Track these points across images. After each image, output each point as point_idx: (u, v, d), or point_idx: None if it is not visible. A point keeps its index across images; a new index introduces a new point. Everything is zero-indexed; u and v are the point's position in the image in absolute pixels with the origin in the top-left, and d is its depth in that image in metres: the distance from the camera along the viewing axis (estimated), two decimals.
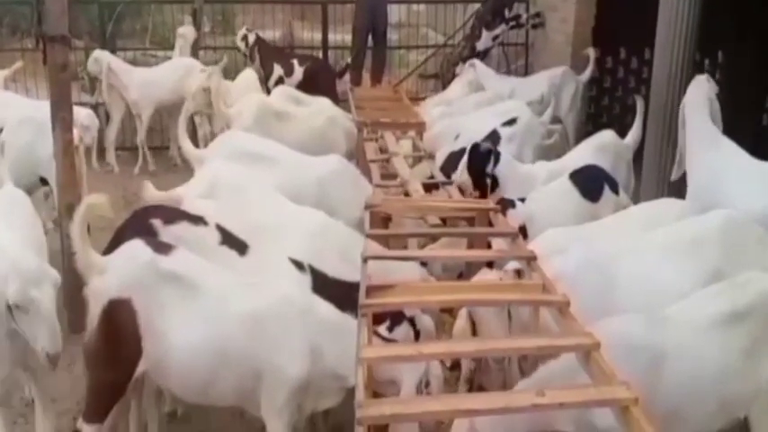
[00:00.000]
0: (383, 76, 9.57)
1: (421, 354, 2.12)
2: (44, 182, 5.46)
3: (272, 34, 11.01)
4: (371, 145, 5.47)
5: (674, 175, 4.47)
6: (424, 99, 7.88)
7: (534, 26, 8.58)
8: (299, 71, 8.54)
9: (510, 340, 2.25)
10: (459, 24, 10.07)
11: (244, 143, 4.60)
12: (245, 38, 8.80)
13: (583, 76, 7.43)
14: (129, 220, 3.24)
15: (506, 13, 8.73)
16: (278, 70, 8.53)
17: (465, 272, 3.83)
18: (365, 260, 2.82)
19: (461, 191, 4.43)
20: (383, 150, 5.31)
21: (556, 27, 8.08)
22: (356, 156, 5.73)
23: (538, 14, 8.48)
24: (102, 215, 2.83)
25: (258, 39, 8.87)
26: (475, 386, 3.08)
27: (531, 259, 2.82)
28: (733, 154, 4.21)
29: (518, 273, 2.92)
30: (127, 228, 3.14)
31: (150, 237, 3.02)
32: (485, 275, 3.05)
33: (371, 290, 2.52)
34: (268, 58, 8.71)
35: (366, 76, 9.46)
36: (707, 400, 2.56)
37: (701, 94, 4.30)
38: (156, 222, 3.11)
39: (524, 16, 8.77)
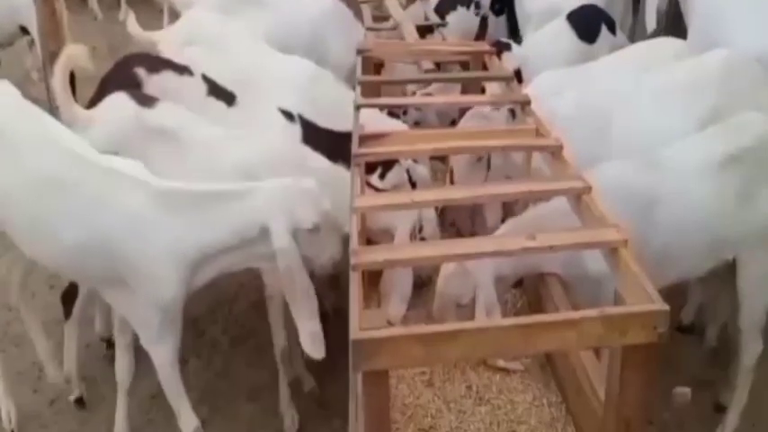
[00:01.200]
0: None
1: (413, 201, 2.12)
2: (25, 31, 5.29)
3: None
4: None
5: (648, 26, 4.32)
6: None
7: None
8: None
9: (501, 185, 2.25)
10: None
11: None
12: None
13: None
14: (113, 71, 3.14)
15: None
16: None
17: (458, 119, 3.80)
18: (357, 108, 2.78)
19: None
20: None
21: None
22: None
23: None
24: (83, 66, 2.74)
25: None
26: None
27: (525, 103, 2.77)
28: None
29: (511, 112, 2.89)
30: (111, 78, 3.06)
31: (134, 88, 2.94)
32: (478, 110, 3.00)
33: (364, 139, 2.49)
34: None
35: None
36: (697, 243, 2.61)
37: None
38: (141, 72, 3.02)
39: None
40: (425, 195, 2.22)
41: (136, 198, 2.31)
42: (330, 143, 3.09)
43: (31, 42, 5.42)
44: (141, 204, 2.30)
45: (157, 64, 3.11)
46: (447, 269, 2.40)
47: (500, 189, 2.21)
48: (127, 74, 3.01)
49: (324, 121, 3.22)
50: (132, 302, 2.41)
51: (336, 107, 3.30)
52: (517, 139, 2.53)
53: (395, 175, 2.95)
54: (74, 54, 2.71)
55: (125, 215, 2.32)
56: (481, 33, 5.16)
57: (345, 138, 3.08)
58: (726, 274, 2.76)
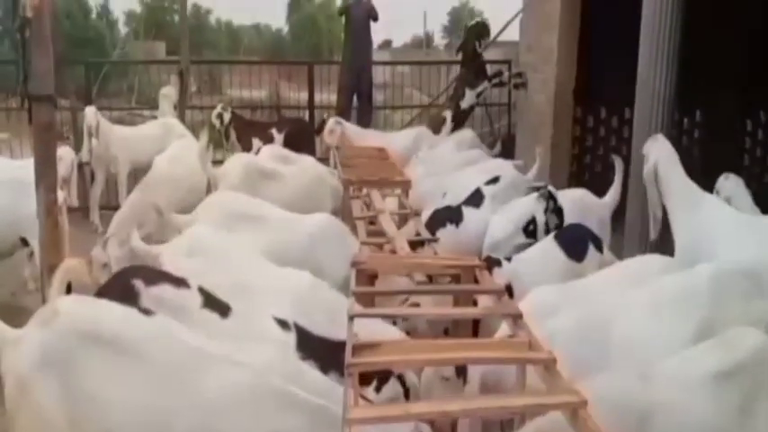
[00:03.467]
0: None
1: (408, 414, 2.08)
2: (24, 242, 5.42)
3: (258, 94, 11.21)
4: (357, 202, 5.49)
5: (653, 235, 4.52)
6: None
7: (516, 86, 8.76)
8: (278, 138, 8.31)
9: (497, 399, 2.22)
10: (443, 85, 10.27)
11: (231, 203, 4.61)
12: (220, 116, 8.47)
13: (529, 174, 6.43)
14: (110, 281, 3.20)
15: (488, 70, 8.94)
16: (257, 143, 8.11)
17: (451, 327, 3.82)
18: (351, 318, 2.80)
19: None
20: (369, 208, 5.33)
21: (537, 87, 8.26)
22: (342, 213, 5.75)
23: (520, 74, 8.66)
24: (80, 279, 2.79)
25: (234, 115, 8.63)
26: None
27: (517, 317, 2.80)
28: (717, 209, 4.25)
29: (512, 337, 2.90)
30: (108, 289, 3.10)
31: (132, 299, 2.97)
32: None
33: (357, 348, 2.49)
34: (245, 132, 8.44)
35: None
36: None
37: (670, 152, 4.36)
38: (138, 284, 3.07)
39: (506, 74, 8.97)
40: (420, 408, 2.17)
41: None
42: (325, 352, 3.09)
43: (31, 254, 5.55)
44: None
45: (155, 276, 3.17)
46: None
47: (496, 402, 2.17)
48: (125, 285, 3.06)
49: (319, 330, 3.23)
50: None
51: (332, 316, 3.34)
52: (511, 352, 2.53)
53: (390, 388, 2.91)
54: (71, 267, 2.77)
55: None
56: None
57: (339, 347, 3.08)
58: None
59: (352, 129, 7.82)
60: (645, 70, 5.70)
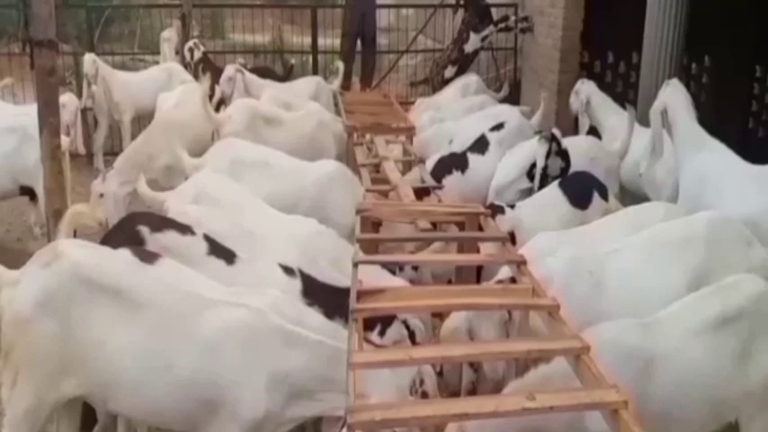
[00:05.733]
0: (372, 80, 9.60)
1: (411, 358, 2.11)
2: (24, 191, 5.42)
3: (261, 38, 11.03)
4: (361, 149, 5.47)
5: (642, 169, 4.55)
6: (413, 103, 7.91)
7: (523, 30, 8.61)
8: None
9: (500, 343, 2.25)
10: (449, 28, 10.08)
11: (238, 150, 4.60)
12: (191, 50, 8.25)
13: (533, 120, 6.59)
14: (116, 227, 3.22)
15: (493, 14, 8.77)
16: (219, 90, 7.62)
17: (454, 277, 3.84)
18: (356, 264, 2.82)
19: None
20: (373, 155, 5.31)
21: (544, 31, 8.12)
22: (346, 160, 5.73)
23: (526, 18, 8.51)
24: (87, 224, 2.81)
25: (204, 56, 8.36)
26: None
27: (520, 263, 2.83)
28: (722, 156, 4.28)
29: (513, 281, 2.92)
30: (114, 235, 3.12)
31: (137, 245, 2.99)
32: None
33: (362, 294, 2.52)
34: (213, 77, 8.02)
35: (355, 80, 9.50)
36: (697, 404, 2.58)
37: (683, 97, 4.43)
38: (144, 230, 3.09)
39: (512, 19, 8.81)
40: (423, 352, 2.21)
41: None
42: (330, 298, 3.12)
43: (33, 199, 5.55)
44: None
45: (160, 223, 3.19)
46: (449, 429, 2.34)
47: (499, 347, 2.21)
48: (130, 231, 3.08)
49: (325, 277, 3.26)
50: None
51: (337, 263, 3.37)
52: (514, 298, 2.56)
53: (394, 331, 2.95)
54: (78, 212, 2.79)
55: None
56: None
57: (344, 293, 3.11)
58: None
59: (250, 78, 7.43)
60: (654, 12, 5.60)
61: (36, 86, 4.39)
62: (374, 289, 2.58)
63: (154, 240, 3.07)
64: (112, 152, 8.25)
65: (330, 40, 10.01)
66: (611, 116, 5.99)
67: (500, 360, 2.66)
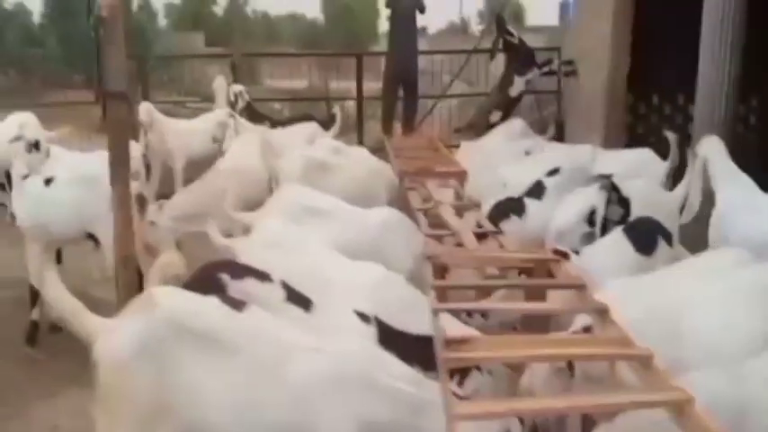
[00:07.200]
0: (414, 125, 9.70)
1: (513, 410, 2.10)
2: (90, 237, 5.52)
3: (297, 83, 11.26)
4: (414, 194, 5.51)
5: (684, 219, 4.74)
6: (458, 146, 7.95)
7: (567, 74, 8.67)
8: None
9: (601, 396, 2.23)
10: (482, 73, 10.17)
11: (301, 197, 4.65)
12: (236, 97, 8.51)
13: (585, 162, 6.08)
14: (197, 275, 3.26)
15: (537, 58, 8.86)
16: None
17: (520, 326, 3.82)
18: (435, 312, 2.83)
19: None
20: (425, 199, 5.34)
21: (590, 74, 8.17)
22: (398, 205, 5.76)
23: (570, 62, 8.57)
24: (177, 273, 2.86)
25: (248, 104, 8.60)
26: None
27: (603, 311, 2.80)
28: (747, 188, 4.59)
29: (586, 330, 2.90)
30: (195, 281, 3.16)
31: (219, 292, 3.03)
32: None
33: (449, 343, 2.51)
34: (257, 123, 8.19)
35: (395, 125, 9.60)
36: None
37: (719, 147, 4.81)
38: (224, 277, 3.13)
39: (556, 62, 8.88)
40: (525, 404, 2.19)
41: None
42: (405, 345, 3.11)
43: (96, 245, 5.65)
44: None
45: (240, 270, 3.23)
46: None
47: (601, 400, 2.18)
48: (212, 278, 3.12)
49: (397, 324, 3.26)
50: None
51: (408, 310, 3.37)
52: (605, 348, 2.54)
53: (473, 381, 2.93)
54: (168, 262, 2.84)
55: None
56: None
57: (419, 341, 3.11)
58: None
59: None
60: (707, 61, 5.63)
61: (108, 137, 4.50)
62: (460, 338, 2.58)
63: (234, 287, 3.10)
64: (164, 197, 8.42)
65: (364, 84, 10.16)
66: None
67: (605, 412, 2.62)
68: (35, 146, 5.39)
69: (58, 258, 5.62)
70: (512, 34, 8.80)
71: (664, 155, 5.93)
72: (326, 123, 8.23)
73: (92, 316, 2.66)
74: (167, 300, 2.64)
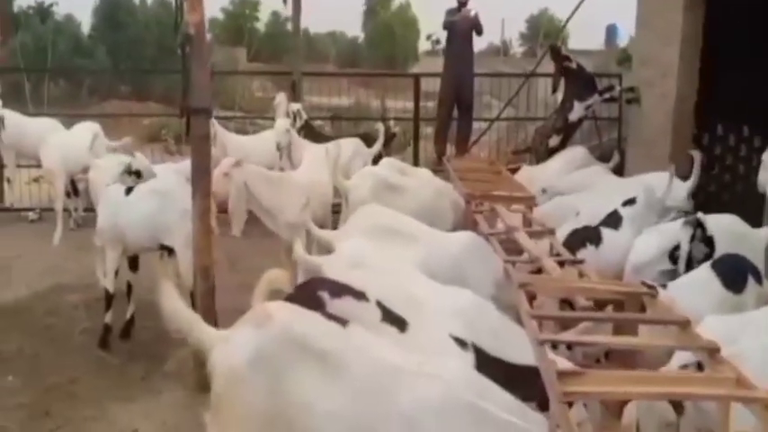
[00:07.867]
0: (467, 146, 9.68)
1: None
2: (163, 247, 5.58)
3: (338, 101, 11.33)
4: (481, 218, 5.46)
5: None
6: (516, 170, 7.89)
7: (629, 101, 8.58)
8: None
9: None
10: (523, 94, 10.15)
11: (381, 218, 4.66)
12: (294, 116, 8.67)
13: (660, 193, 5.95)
14: (297, 291, 3.27)
15: (597, 84, 8.79)
16: None
17: (603, 359, 3.76)
18: (541, 343, 2.78)
19: None
20: (491, 224, 5.29)
21: (654, 102, 8.07)
22: (465, 228, 5.72)
23: (632, 89, 8.49)
24: (281, 288, 2.88)
25: (306, 122, 8.75)
26: None
27: (713, 350, 2.73)
28: None
29: (699, 366, 2.83)
30: (295, 298, 3.16)
31: (318, 309, 3.02)
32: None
33: (562, 376, 2.46)
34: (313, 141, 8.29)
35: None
36: None
37: None
38: (324, 295, 3.14)
39: (617, 89, 8.80)
40: None
41: None
42: (501, 373, 3.07)
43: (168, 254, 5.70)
44: None
45: (339, 289, 3.23)
46: None
47: None
48: (312, 295, 3.12)
49: (491, 351, 3.23)
50: None
51: (497, 337, 3.33)
52: (721, 389, 2.47)
53: (577, 413, 2.87)
54: (274, 278, 2.85)
55: None
56: None
57: (516, 369, 3.06)
58: None
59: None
60: None
61: (191, 152, 4.58)
62: (571, 370, 2.53)
63: (333, 305, 3.11)
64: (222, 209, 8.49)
65: (402, 103, 10.18)
66: None
67: None
68: (137, 174, 5.54)
69: (135, 266, 5.69)
70: (569, 60, 8.75)
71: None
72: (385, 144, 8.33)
73: (207, 327, 2.69)
74: (282, 314, 2.67)
